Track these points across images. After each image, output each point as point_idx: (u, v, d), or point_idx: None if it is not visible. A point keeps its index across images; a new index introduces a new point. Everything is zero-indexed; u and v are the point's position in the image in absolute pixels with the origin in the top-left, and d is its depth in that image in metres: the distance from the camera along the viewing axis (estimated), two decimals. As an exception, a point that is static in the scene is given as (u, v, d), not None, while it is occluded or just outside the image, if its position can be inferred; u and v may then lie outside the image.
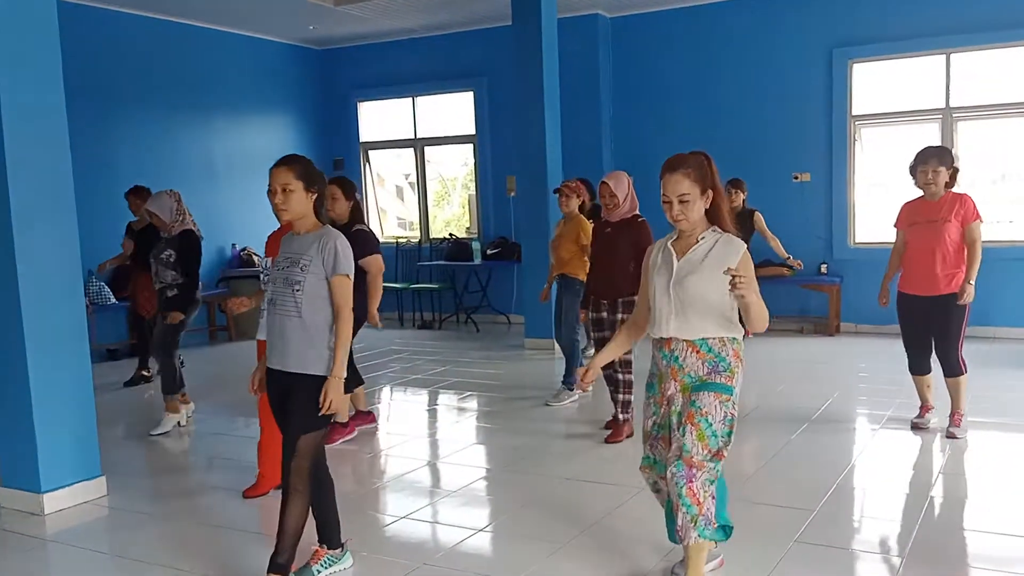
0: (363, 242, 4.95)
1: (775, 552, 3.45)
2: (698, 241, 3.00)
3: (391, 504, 4.39)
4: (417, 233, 11.16)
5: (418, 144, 10.94)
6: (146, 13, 8.87)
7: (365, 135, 11.18)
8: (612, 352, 3.33)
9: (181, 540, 3.88)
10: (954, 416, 4.99)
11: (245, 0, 8.75)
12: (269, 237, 4.64)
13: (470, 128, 10.51)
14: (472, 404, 6.40)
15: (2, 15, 3.99)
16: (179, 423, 5.84)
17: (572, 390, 6.21)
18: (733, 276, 2.76)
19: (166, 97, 9.16)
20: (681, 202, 2.95)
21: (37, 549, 3.85)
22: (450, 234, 10.72)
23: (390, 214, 11.92)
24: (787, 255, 8.06)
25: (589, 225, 5.98)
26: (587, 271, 5.66)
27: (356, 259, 4.84)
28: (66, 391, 4.30)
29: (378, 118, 11.18)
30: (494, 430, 5.63)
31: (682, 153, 3.04)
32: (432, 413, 6.31)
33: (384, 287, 10.46)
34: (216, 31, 9.71)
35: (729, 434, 2.97)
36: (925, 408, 5.17)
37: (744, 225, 6.37)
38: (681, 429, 2.94)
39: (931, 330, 4.97)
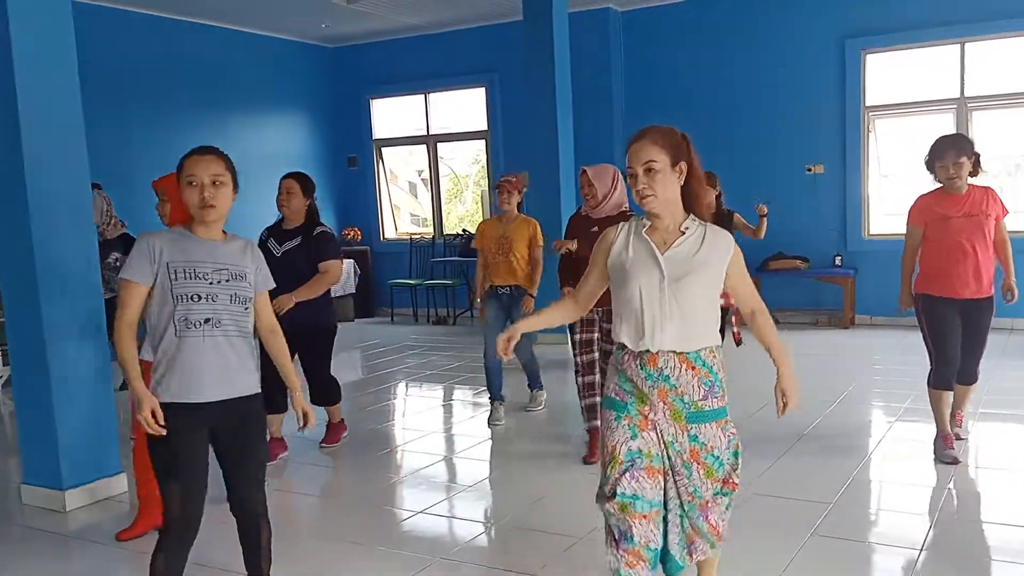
0: (330, 243, 4.88)
1: (792, 545, 3.45)
2: (682, 232, 2.56)
3: (407, 499, 4.41)
4: (430, 229, 11.18)
5: (431, 140, 10.95)
6: (160, 13, 8.91)
7: (378, 132, 11.20)
8: (545, 320, 2.84)
9: (201, 536, 3.90)
10: (956, 416, 4.72)
11: (257, -1, 8.79)
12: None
13: (482, 124, 10.52)
14: (487, 399, 6.41)
15: (19, 17, 4.03)
16: None
17: (542, 389, 5.98)
18: (785, 404, 2.59)
19: (180, 96, 9.21)
20: (647, 171, 2.51)
21: (58, 545, 3.90)
22: (463, 230, 10.73)
23: (403, 211, 11.95)
24: (758, 219, 6.63)
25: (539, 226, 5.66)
26: (536, 278, 5.49)
27: (320, 260, 4.77)
28: (86, 388, 4.33)
29: (390, 115, 11.20)
30: (509, 424, 5.64)
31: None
32: (447, 408, 6.33)
33: (399, 283, 10.57)
34: (229, 30, 9.74)
35: (736, 455, 2.60)
36: (949, 438, 4.51)
37: (724, 229, 5.51)
38: (687, 469, 2.55)
39: (963, 335, 4.43)
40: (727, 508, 2.63)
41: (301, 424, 2.90)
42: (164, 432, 2.60)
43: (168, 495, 2.68)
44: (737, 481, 2.59)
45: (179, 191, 2.74)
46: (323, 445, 5.21)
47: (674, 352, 2.50)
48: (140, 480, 3.85)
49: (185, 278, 2.66)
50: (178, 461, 2.66)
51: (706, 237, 2.56)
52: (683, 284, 2.49)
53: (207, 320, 2.67)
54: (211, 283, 2.69)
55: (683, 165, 2.55)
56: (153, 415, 2.58)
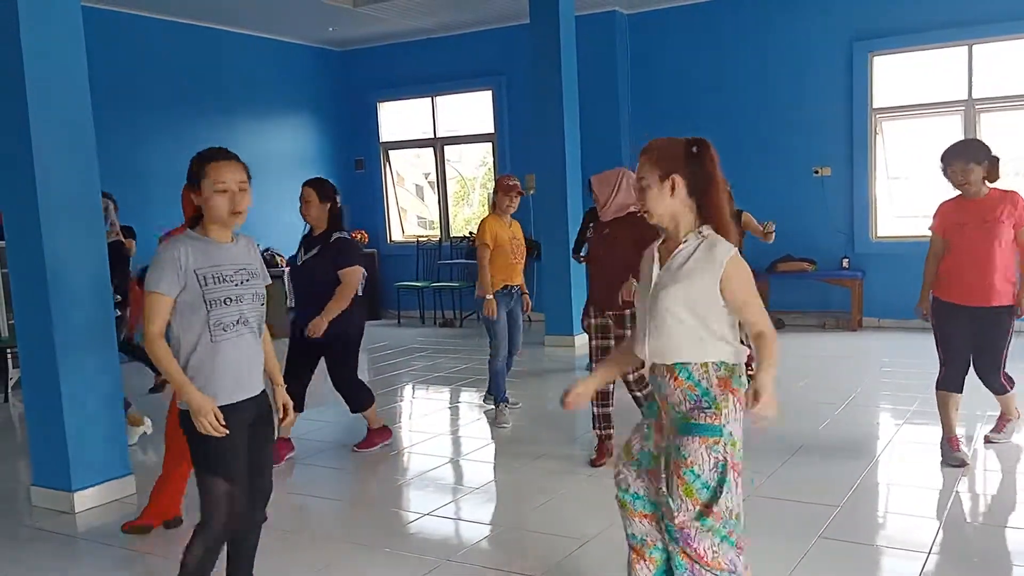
0: (345, 251, 4.82)
1: (799, 548, 3.44)
2: (681, 244, 2.52)
3: (414, 501, 4.42)
4: (437, 232, 11.21)
5: (437, 143, 10.98)
6: (169, 17, 8.97)
7: (385, 135, 11.24)
8: (602, 378, 2.85)
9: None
10: (999, 422, 4.72)
11: (265, 3, 8.82)
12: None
13: (489, 127, 10.54)
14: (493, 401, 6.42)
15: (29, 22, 4.06)
16: (145, 432, 5.62)
17: (509, 403, 5.85)
18: (757, 415, 2.33)
19: (189, 100, 9.25)
20: (640, 188, 2.51)
21: (67, 546, 3.92)
22: (470, 232, 10.74)
23: (410, 213, 11.98)
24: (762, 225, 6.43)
25: None
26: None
27: (339, 269, 4.75)
28: (95, 391, 4.35)
29: (398, 118, 11.23)
30: (516, 427, 5.65)
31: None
32: (454, 410, 6.34)
33: (405, 286, 10.58)
34: (237, 34, 9.79)
35: (722, 482, 2.42)
36: (955, 440, 4.49)
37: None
38: (667, 482, 2.50)
39: (973, 344, 4.44)
40: (720, 539, 2.44)
41: (280, 417, 2.98)
42: (227, 432, 2.64)
43: (216, 495, 2.71)
44: (720, 512, 2.42)
45: (190, 195, 2.75)
46: (355, 448, 5.18)
47: (658, 363, 2.53)
48: (168, 476, 3.92)
49: (214, 283, 2.70)
50: (227, 463, 2.70)
51: (699, 249, 2.48)
52: (659, 297, 2.48)
53: (237, 321, 2.74)
54: (235, 284, 2.74)
55: (675, 179, 2.46)
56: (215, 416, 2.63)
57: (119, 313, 5.72)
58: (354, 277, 4.80)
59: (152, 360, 2.69)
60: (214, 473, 2.70)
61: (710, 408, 2.44)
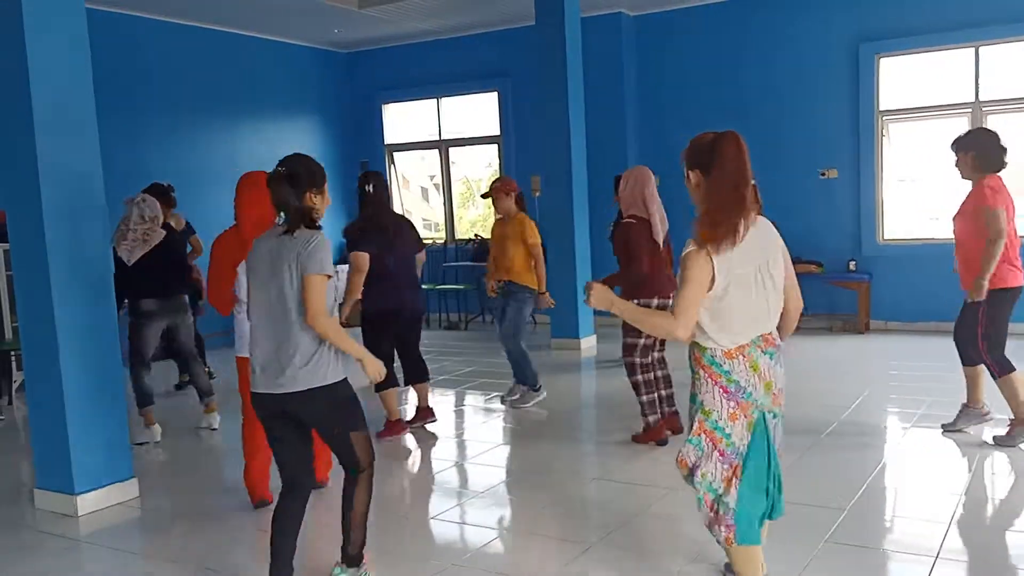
0: (348, 241, 5.23)
1: (805, 551, 3.42)
2: None
3: (419, 504, 4.41)
4: (443, 234, 11.20)
5: (443, 145, 10.97)
6: (173, 19, 8.98)
7: (390, 137, 11.24)
8: None
9: (212, 542, 3.91)
10: (1011, 426, 4.71)
11: (270, 5, 8.83)
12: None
13: (494, 129, 10.53)
14: (499, 404, 6.40)
15: (33, 23, 4.06)
16: (155, 439, 5.63)
17: (537, 390, 6.12)
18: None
19: (194, 102, 9.27)
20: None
21: (71, 550, 3.91)
22: (475, 235, 10.74)
23: (415, 215, 11.97)
24: None
25: (534, 225, 5.96)
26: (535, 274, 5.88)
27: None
28: (98, 394, 4.35)
29: (403, 120, 11.24)
30: (522, 430, 5.63)
31: None
32: (459, 414, 6.32)
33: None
34: (242, 36, 9.80)
35: (690, 441, 2.85)
36: (970, 403, 4.90)
37: None
38: None
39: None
40: (713, 497, 2.84)
41: None
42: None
43: (368, 441, 3.20)
44: (690, 459, 2.85)
45: (310, 194, 3.02)
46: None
47: None
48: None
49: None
50: (363, 415, 3.19)
51: None
52: None
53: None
54: None
55: (693, 174, 2.80)
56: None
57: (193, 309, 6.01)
58: (354, 262, 5.09)
59: (324, 334, 2.95)
60: (364, 426, 3.19)
61: (695, 380, 2.84)
